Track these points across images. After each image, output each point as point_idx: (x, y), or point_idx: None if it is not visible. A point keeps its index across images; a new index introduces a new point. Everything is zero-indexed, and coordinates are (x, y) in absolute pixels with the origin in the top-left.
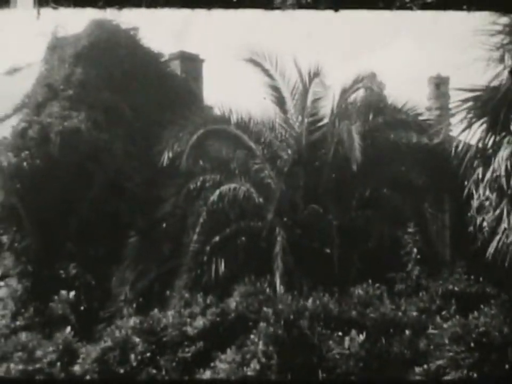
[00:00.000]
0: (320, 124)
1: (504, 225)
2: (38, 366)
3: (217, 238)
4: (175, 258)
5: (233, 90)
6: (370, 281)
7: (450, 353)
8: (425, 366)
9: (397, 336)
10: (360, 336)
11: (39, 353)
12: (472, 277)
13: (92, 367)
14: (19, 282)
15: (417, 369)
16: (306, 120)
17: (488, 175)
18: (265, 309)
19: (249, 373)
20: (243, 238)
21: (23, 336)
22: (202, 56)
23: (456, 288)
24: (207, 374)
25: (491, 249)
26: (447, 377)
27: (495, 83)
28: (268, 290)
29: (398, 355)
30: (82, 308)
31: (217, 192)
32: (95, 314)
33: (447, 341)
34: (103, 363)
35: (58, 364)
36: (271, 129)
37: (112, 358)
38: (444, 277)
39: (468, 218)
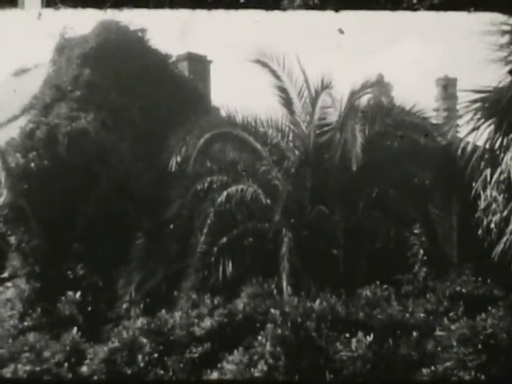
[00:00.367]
0: (328, 126)
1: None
2: (45, 366)
3: (224, 239)
4: (182, 259)
5: (240, 91)
6: (378, 282)
7: (458, 355)
8: (432, 368)
9: (404, 338)
10: (367, 337)
11: (46, 353)
12: (479, 278)
13: (99, 368)
14: (27, 283)
15: (425, 371)
16: (314, 121)
17: (495, 176)
18: (272, 310)
19: (256, 374)
20: (250, 239)
21: (31, 336)
22: (209, 57)
23: (463, 290)
24: (214, 375)
25: (498, 251)
26: (455, 379)
27: (502, 84)
28: (275, 291)
29: (405, 357)
30: (89, 308)
31: (225, 193)
32: (102, 315)
33: (454, 343)
34: (111, 364)
35: (66, 364)
36: (278, 131)
37: (119, 359)
38: (451, 278)
39: (475, 220)
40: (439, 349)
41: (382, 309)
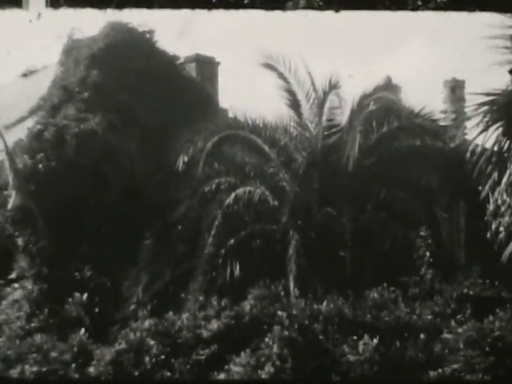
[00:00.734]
0: (336, 127)
1: None
2: (52, 367)
3: (232, 241)
4: (189, 261)
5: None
6: (385, 284)
7: (465, 358)
8: (440, 370)
9: (411, 340)
10: (374, 340)
11: (53, 354)
12: (487, 281)
13: (106, 369)
14: (34, 284)
15: (432, 373)
16: (322, 123)
17: (504, 179)
18: (279, 312)
19: (263, 376)
20: (258, 241)
21: (38, 337)
22: (217, 58)
23: (471, 292)
24: (221, 377)
25: (507, 253)
26: (462, 381)
27: (511, 87)
28: (282, 293)
29: (413, 359)
30: (96, 309)
31: (233, 195)
32: (109, 316)
33: (462, 345)
34: (118, 365)
35: (73, 365)
36: (285, 132)
37: (126, 360)
38: (459, 280)
39: (483, 222)
40: (447, 351)
41: (389, 311)
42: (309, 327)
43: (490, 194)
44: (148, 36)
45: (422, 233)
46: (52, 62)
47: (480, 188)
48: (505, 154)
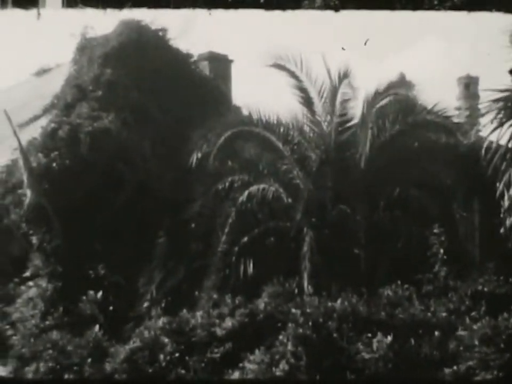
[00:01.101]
0: (349, 124)
1: None
2: (67, 364)
3: (245, 239)
4: (203, 259)
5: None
6: (399, 282)
7: (480, 355)
8: (454, 367)
9: (426, 338)
10: (389, 337)
11: (68, 351)
12: (501, 277)
13: (121, 367)
14: (48, 282)
15: (447, 371)
16: (335, 120)
17: None
18: (293, 310)
19: (277, 374)
20: (271, 239)
21: (53, 335)
22: (230, 56)
23: (485, 289)
24: (235, 375)
25: None
26: (477, 379)
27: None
28: (296, 291)
29: (427, 356)
30: (111, 307)
31: (246, 192)
32: (123, 314)
33: (476, 342)
34: (132, 363)
35: (88, 362)
36: (299, 130)
37: (141, 358)
38: (473, 278)
39: (498, 219)
40: (461, 348)
41: (403, 308)
42: (323, 325)
43: (505, 190)
44: (161, 34)
45: (435, 231)
46: (66, 61)
47: (495, 184)
48: None
